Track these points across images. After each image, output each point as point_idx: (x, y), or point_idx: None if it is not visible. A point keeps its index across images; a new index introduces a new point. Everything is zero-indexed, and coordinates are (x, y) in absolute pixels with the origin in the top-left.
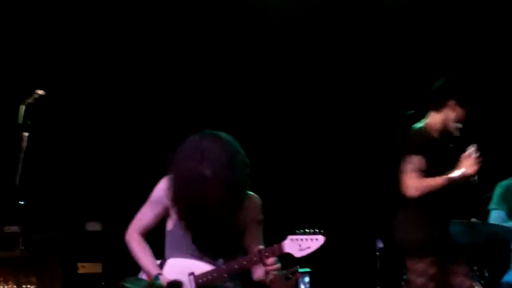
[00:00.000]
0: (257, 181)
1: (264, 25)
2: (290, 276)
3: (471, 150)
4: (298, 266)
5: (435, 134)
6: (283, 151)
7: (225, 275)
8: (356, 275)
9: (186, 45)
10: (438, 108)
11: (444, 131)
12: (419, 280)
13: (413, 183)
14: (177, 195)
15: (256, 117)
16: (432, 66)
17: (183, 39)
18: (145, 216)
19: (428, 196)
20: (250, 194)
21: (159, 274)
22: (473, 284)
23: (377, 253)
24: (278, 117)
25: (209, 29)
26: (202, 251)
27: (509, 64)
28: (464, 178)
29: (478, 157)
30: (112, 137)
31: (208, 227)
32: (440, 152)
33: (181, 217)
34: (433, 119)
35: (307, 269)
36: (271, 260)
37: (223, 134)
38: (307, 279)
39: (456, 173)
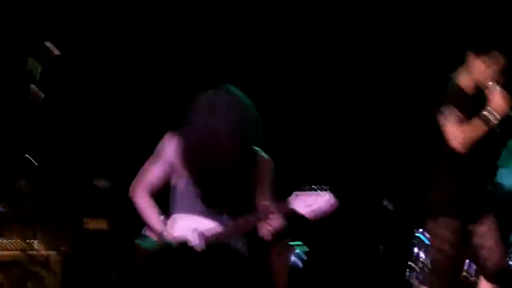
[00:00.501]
0: (267, 139)
1: None
2: (285, 249)
3: (494, 85)
4: (289, 239)
5: (469, 91)
6: (292, 109)
7: (232, 233)
8: (360, 236)
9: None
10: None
11: (476, 88)
12: (440, 241)
13: (458, 132)
14: (188, 150)
15: (266, 75)
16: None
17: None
18: (151, 171)
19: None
20: (262, 154)
21: (165, 230)
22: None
23: (383, 214)
24: (288, 72)
25: None
26: (209, 208)
27: None
28: (501, 113)
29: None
30: (121, 93)
31: (217, 184)
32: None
33: (190, 172)
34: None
35: (299, 243)
36: (276, 216)
37: (236, 90)
38: (301, 250)
39: (490, 111)
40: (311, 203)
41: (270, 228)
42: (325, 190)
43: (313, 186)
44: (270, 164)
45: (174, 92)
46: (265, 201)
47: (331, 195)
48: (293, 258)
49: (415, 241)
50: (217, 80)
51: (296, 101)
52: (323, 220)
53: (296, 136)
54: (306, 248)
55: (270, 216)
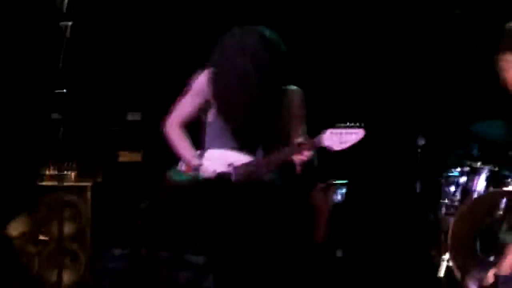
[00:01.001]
0: (299, 75)
1: None
2: (329, 188)
3: None
4: (334, 179)
5: None
6: (326, 46)
7: (265, 167)
8: (396, 171)
9: None
10: None
11: None
12: None
13: None
14: (218, 88)
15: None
16: None
17: None
18: (185, 107)
19: None
20: (292, 87)
21: (199, 164)
22: None
23: (419, 150)
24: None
25: None
26: (242, 143)
27: None
28: None
29: None
30: (153, 27)
31: (248, 120)
32: None
33: (221, 110)
34: None
35: (344, 181)
36: (309, 152)
37: (265, 29)
38: (343, 190)
39: None
40: (344, 140)
41: (301, 160)
42: (359, 127)
43: (346, 124)
44: (300, 94)
45: (206, 25)
46: (299, 136)
47: (364, 131)
48: (336, 196)
49: (450, 179)
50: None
51: (328, 36)
52: (358, 156)
53: (328, 71)
54: (346, 185)
55: (304, 152)
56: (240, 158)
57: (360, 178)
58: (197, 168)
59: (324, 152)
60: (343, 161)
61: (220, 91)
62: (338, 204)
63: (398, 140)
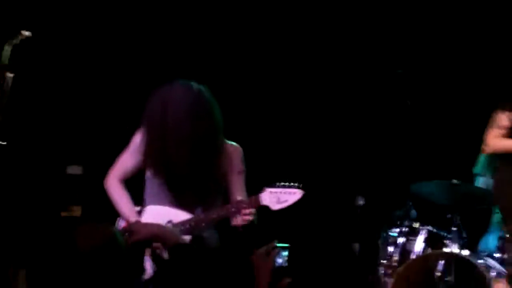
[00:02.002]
0: (239, 132)
1: None
2: (270, 251)
3: None
4: (276, 240)
5: None
6: (266, 100)
7: (203, 224)
8: (335, 232)
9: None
10: None
11: None
12: None
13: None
14: (148, 147)
15: (239, 70)
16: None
17: None
18: (125, 162)
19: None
20: (231, 143)
21: (137, 220)
22: None
23: (358, 210)
24: (261, 68)
25: None
26: (180, 200)
27: None
28: None
29: None
30: (94, 81)
31: (182, 177)
32: None
33: (155, 168)
34: None
35: (285, 244)
36: (248, 211)
37: (194, 84)
38: (285, 253)
39: None
40: (283, 199)
41: (241, 221)
42: (297, 187)
43: (284, 183)
44: (238, 151)
45: (150, 83)
46: (238, 193)
47: (302, 191)
48: (278, 259)
49: (388, 239)
50: (186, 70)
51: (270, 92)
52: (297, 218)
53: (269, 130)
54: (287, 249)
55: (242, 211)
56: (179, 214)
57: (301, 240)
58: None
59: (265, 214)
60: (283, 222)
61: (147, 148)
62: (279, 267)
63: (338, 200)
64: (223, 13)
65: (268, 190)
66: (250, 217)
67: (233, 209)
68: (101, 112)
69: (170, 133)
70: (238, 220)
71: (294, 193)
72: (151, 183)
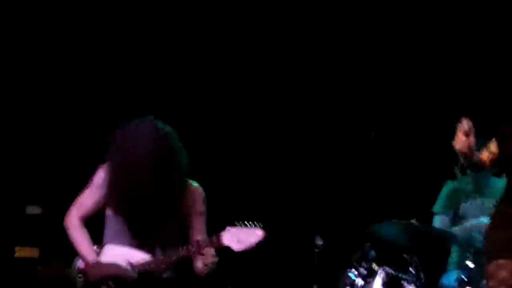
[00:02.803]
0: (199, 173)
1: None
2: None
3: None
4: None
5: None
6: (226, 142)
7: (163, 266)
8: (293, 274)
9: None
10: None
11: None
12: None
13: None
14: (111, 184)
15: (195, 107)
16: None
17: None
18: (85, 201)
19: None
20: (192, 184)
21: (96, 260)
22: None
23: (315, 250)
24: (216, 103)
25: None
26: (140, 240)
27: None
28: None
29: None
30: (53, 119)
31: (143, 217)
32: None
33: (116, 206)
34: None
35: None
36: (208, 251)
37: (159, 123)
38: None
39: None
40: (243, 239)
41: (203, 264)
42: (257, 226)
43: (245, 223)
44: (200, 192)
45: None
46: (198, 235)
47: (263, 231)
48: None
49: (347, 281)
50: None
51: (230, 134)
52: (254, 257)
53: (229, 171)
54: None
55: (203, 251)
56: (138, 255)
57: (258, 283)
58: (93, 265)
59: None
60: (240, 264)
61: (110, 186)
62: None
63: (296, 240)
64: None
65: (229, 229)
66: (212, 259)
67: (193, 250)
68: (61, 150)
69: (136, 172)
70: (199, 265)
71: (255, 232)
72: (111, 222)
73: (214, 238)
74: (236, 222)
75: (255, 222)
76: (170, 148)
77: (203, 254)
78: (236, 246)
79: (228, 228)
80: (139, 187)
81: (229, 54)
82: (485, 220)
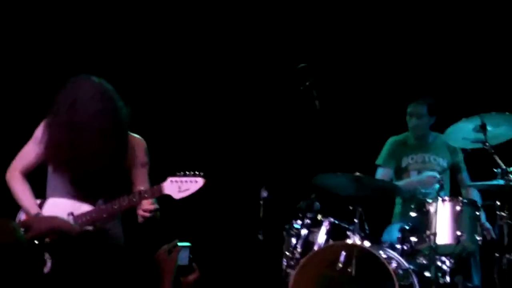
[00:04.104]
0: (142, 124)
1: None
2: (172, 250)
3: None
4: (177, 240)
5: None
6: (169, 92)
7: (105, 216)
8: (239, 225)
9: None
10: None
11: None
12: None
13: None
14: (50, 140)
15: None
16: None
17: None
18: (27, 155)
19: None
20: (134, 136)
21: (38, 213)
22: None
23: (261, 202)
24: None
25: None
26: (81, 192)
27: None
28: None
29: None
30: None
31: (83, 170)
32: None
33: (58, 161)
34: None
35: (187, 244)
36: (147, 202)
37: (97, 79)
38: (187, 251)
39: None
40: (184, 188)
41: (143, 212)
42: (199, 175)
43: (186, 172)
44: (142, 145)
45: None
46: (141, 185)
47: (203, 179)
48: (181, 257)
49: (291, 231)
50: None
51: (173, 84)
52: (202, 210)
53: (175, 122)
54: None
55: (144, 201)
56: (80, 206)
57: (205, 235)
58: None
59: (167, 209)
60: (186, 217)
61: (52, 143)
62: (183, 265)
63: (242, 192)
64: None
65: (170, 179)
66: (152, 207)
67: (134, 199)
68: (3, 104)
69: (77, 128)
70: (139, 213)
71: (196, 181)
72: (53, 175)
73: (155, 188)
74: (177, 172)
75: (196, 172)
76: (111, 105)
77: (144, 204)
78: (176, 195)
79: (169, 178)
80: (82, 143)
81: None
82: (428, 173)
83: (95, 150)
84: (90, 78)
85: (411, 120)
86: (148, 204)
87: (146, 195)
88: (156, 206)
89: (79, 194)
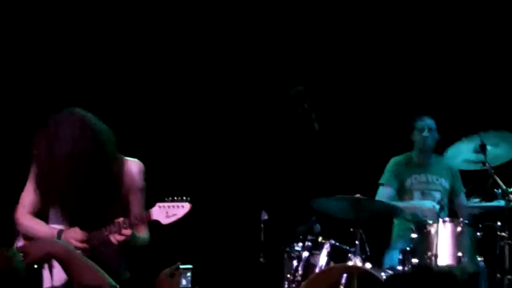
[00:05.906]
0: (140, 147)
1: None
2: (174, 273)
3: None
4: (179, 263)
5: None
6: (164, 115)
7: (95, 242)
8: (239, 249)
9: None
10: None
11: None
12: None
13: None
14: (37, 177)
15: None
16: None
17: None
18: (26, 198)
19: None
20: (130, 160)
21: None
22: None
23: (262, 225)
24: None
25: None
26: (73, 220)
27: None
28: None
29: None
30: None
31: (75, 206)
32: None
33: (47, 201)
34: None
35: (189, 266)
36: (126, 231)
37: (79, 110)
38: (189, 274)
39: None
40: (171, 213)
41: (118, 238)
42: (185, 201)
43: (174, 198)
44: (139, 168)
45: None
46: (134, 210)
47: (189, 204)
48: (183, 281)
49: (292, 254)
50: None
51: (168, 107)
52: (203, 233)
53: (175, 145)
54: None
55: (122, 230)
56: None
57: (206, 258)
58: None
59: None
60: (187, 241)
61: (38, 179)
62: None
63: (241, 215)
64: None
65: (158, 205)
66: (127, 232)
67: (124, 225)
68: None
69: (58, 168)
70: (113, 238)
71: (183, 206)
72: (51, 214)
73: (144, 214)
74: (165, 198)
75: (183, 197)
76: (91, 137)
77: (122, 234)
78: (164, 220)
79: (157, 203)
80: (65, 182)
81: None
82: (429, 204)
83: (79, 186)
84: (68, 113)
85: (421, 133)
86: (126, 232)
87: (136, 221)
88: (129, 232)
89: (69, 224)
